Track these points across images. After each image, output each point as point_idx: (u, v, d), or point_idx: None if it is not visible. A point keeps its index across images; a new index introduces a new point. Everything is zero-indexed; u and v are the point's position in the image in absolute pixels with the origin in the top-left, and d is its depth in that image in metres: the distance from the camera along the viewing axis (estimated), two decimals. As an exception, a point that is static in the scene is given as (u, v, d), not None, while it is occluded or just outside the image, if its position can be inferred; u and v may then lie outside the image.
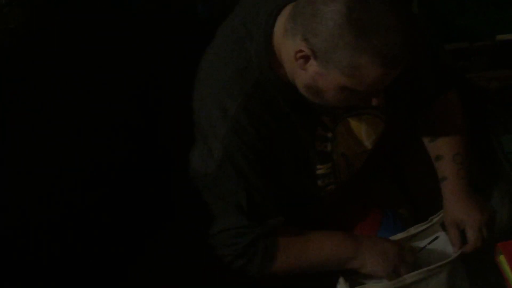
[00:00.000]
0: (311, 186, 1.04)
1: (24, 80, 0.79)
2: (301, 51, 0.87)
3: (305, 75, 0.90)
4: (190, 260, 1.04)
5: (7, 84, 0.77)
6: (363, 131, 1.06)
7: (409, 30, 0.84)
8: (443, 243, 1.08)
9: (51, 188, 0.84)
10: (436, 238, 1.07)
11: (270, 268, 0.99)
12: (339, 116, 1.04)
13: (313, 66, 0.88)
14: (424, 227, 1.07)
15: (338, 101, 0.92)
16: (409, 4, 1.47)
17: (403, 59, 0.85)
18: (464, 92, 1.19)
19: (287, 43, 0.91)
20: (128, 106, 1.02)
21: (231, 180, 0.94)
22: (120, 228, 1.00)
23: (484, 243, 1.04)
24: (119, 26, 0.91)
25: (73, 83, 0.83)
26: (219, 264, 0.99)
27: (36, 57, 0.78)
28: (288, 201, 1.01)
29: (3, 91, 0.77)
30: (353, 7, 0.81)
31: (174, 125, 1.09)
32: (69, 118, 0.84)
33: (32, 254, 0.82)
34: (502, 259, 0.90)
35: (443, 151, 1.10)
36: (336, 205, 1.13)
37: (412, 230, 1.07)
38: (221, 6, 1.19)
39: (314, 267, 1.03)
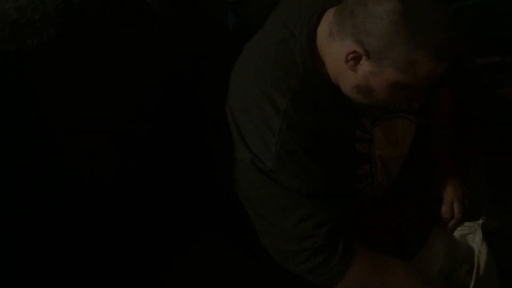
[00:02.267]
0: (349, 187, 1.05)
1: (57, 92, 0.81)
2: (354, 52, 0.89)
3: (355, 75, 0.92)
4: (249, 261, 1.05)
5: (41, 96, 0.80)
6: (398, 135, 1.09)
7: (453, 26, 0.89)
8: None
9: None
10: None
11: (347, 269, 0.96)
12: (376, 119, 1.06)
13: (364, 66, 0.90)
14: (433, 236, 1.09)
15: (388, 99, 0.95)
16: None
17: (453, 53, 0.89)
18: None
19: (333, 45, 0.93)
20: (165, 112, 1.04)
21: (291, 172, 0.95)
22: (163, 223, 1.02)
23: (455, 218, 1.10)
24: (151, 40, 0.93)
25: (106, 97, 0.85)
26: (289, 264, 0.98)
27: (69, 70, 0.81)
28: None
29: (38, 103, 0.80)
30: (406, 4, 0.85)
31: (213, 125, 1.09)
32: (103, 131, 0.86)
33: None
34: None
35: (438, 136, 1.18)
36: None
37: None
38: (251, 16, 1.20)
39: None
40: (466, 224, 1.10)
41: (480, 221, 1.08)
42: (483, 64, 1.52)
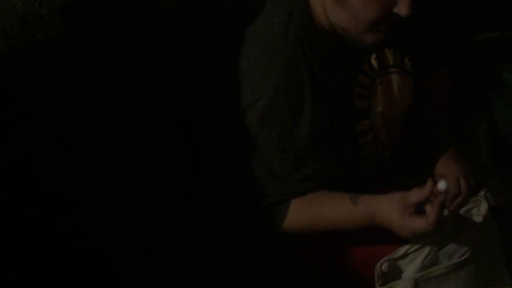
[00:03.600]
0: (352, 143, 1.07)
1: (66, 88, 0.81)
2: None
3: None
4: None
5: (49, 91, 0.80)
6: (396, 90, 1.11)
7: None
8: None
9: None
10: None
11: (279, 227, 1.02)
12: (375, 75, 1.08)
13: None
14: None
15: (367, 8, 0.93)
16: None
17: None
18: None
19: None
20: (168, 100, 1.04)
21: (272, 128, 0.97)
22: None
23: (462, 193, 1.10)
24: (158, 35, 0.94)
25: (115, 90, 0.86)
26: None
27: (77, 65, 0.81)
28: (330, 166, 1.03)
29: (45, 98, 0.80)
30: None
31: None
32: (111, 124, 0.87)
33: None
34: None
35: (437, 118, 1.19)
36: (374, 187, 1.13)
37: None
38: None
39: (328, 228, 1.04)
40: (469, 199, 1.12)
41: (482, 193, 1.10)
42: (484, 39, 1.52)
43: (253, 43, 1.01)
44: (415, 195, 0.95)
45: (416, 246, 1.03)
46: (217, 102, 1.04)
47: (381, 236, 1.04)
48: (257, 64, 0.99)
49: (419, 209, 0.96)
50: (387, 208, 0.97)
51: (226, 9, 1.19)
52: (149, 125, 0.96)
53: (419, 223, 0.94)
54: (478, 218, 1.10)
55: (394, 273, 1.05)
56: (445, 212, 1.07)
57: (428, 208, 0.95)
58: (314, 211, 1.03)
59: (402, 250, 1.03)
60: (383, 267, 1.03)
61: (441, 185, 0.98)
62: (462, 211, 1.11)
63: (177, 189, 1.05)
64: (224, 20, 1.15)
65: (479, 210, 1.11)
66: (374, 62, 1.08)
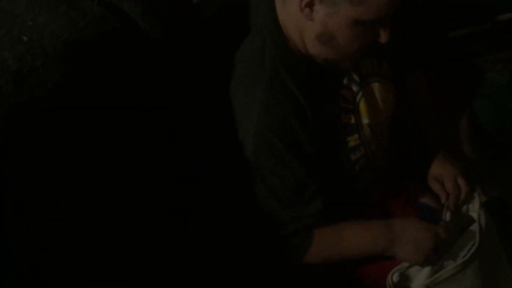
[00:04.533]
0: (345, 160, 1.06)
1: (65, 138, 0.79)
2: None
3: (313, 26, 0.93)
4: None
5: (49, 141, 0.77)
6: (378, 99, 1.10)
7: None
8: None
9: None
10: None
11: (301, 259, 1.02)
12: (357, 87, 1.07)
13: (320, 10, 0.91)
14: (448, 214, 1.09)
15: (351, 43, 0.94)
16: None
17: None
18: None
19: (288, 7, 0.95)
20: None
21: (267, 162, 0.96)
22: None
23: (463, 191, 1.11)
24: (152, 71, 0.92)
25: (116, 134, 0.84)
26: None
27: (76, 114, 0.78)
28: (327, 184, 1.02)
29: (45, 148, 0.77)
30: None
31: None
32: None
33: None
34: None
35: (422, 121, 1.19)
36: (373, 194, 1.15)
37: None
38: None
39: (346, 259, 1.05)
40: None
41: (477, 192, 1.12)
42: (459, 35, 1.56)
43: (233, 74, 0.99)
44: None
45: None
46: (214, 129, 1.03)
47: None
48: (238, 98, 0.98)
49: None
50: (405, 220, 1.05)
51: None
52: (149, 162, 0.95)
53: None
54: (474, 215, 1.11)
55: (405, 283, 1.06)
56: (448, 217, 1.10)
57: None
58: (336, 234, 1.04)
59: None
60: (394, 278, 1.04)
61: (447, 216, 1.07)
62: (463, 210, 1.13)
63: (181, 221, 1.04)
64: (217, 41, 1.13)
65: (473, 206, 1.12)
66: (354, 75, 1.07)
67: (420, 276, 1.05)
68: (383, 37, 0.95)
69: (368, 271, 1.08)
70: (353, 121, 1.07)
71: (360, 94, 1.08)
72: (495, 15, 1.60)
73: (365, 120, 1.09)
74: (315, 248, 1.02)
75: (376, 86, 1.10)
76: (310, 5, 0.91)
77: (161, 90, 0.95)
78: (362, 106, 1.08)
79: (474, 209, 1.12)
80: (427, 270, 1.04)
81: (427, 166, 1.17)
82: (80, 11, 0.83)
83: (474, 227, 1.10)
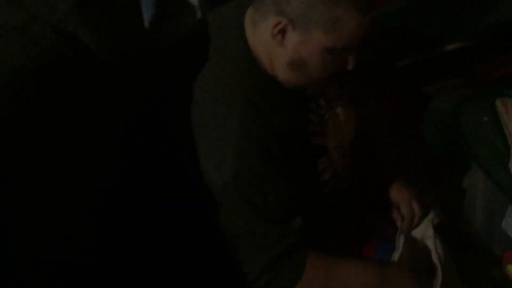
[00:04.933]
0: (316, 182, 1.07)
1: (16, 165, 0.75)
2: (278, 23, 0.90)
3: (285, 52, 0.94)
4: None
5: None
6: (342, 123, 1.13)
7: None
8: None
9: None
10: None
11: (297, 284, 0.97)
12: (323, 111, 1.09)
13: (292, 37, 0.92)
14: (401, 238, 1.12)
15: (321, 69, 0.96)
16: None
17: (371, 8, 0.92)
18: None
19: (259, 31, 0.95)
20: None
21: (249, 184, 0.94)
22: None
23: (417, 215, 1.16)
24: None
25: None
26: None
27: (27, 144, 0.76)
28: (301, 207, 1.01)
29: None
30: None
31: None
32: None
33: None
34: (510, 268, 0.94)
35: (378, 145, 1.24)
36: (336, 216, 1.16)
37: (397, 254, 1.10)
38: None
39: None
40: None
41: (430, 216, 1.15)
42: (407, 64, 1.62)
43: (205, 97, 0.98)
44: None
45: None
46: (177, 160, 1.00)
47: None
48: (213, 121, 0.95)
49: None
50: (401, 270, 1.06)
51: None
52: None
53: None
54: (429, 241, 1.13)
55: None
56: (401, 241, 1.12)
57: None
58: (329, 267, 1.01)
59: None
60: None
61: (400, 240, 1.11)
62: (418, 236, 1.15)
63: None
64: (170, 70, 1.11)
65: (427, 232, 1.15)
66: (320, 99, 1.09)
67: None
68: (351, 64, 0.98)
69: None
70: (321, 144, 1.09)
71: (326, 118, 1.10)
72: (439, 45, 1.69)
73: (332, 143, 1.11)
74: (309, 269, 0.98)
75: (339, 111, 1.13)
76: (283, 32, 0.92)
77: (119, 119, 0.93)
78: (329, 130, 1.10)
79: (428, 235, 1.14)
80: None
81: (383, 191, 1.20)
82: (33, 39, 0.80)
83: (435, 258, 1.11)
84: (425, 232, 1.15)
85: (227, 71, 0.97)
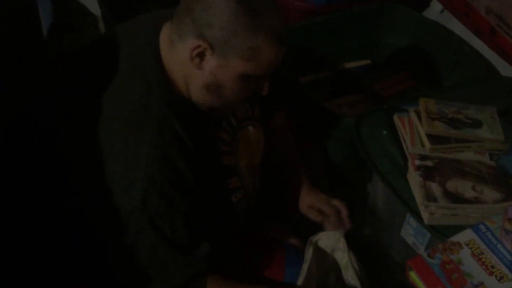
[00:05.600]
0: (227, 202, 1.06)
1: None
2: (198, 46, 0.90)
3: (202, 74, 0.93)
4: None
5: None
6: (253, 141, 1.14)
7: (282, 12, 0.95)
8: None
9: None
10: None
11: None
12: (234, 130, 1.09)
13: (210, 61, 0.92)
14: (310, 250, 1.14)
15: (237, 93, 0.97)
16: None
17: (288, 38, 0.95)
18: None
19: (176, 50, 0.94)
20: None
21: (157, 208, 0.91)
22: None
23: (343, 209, 1.20)
24: None
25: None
26: None
27: None
28: (211, 228, 0.99)
29: None
30: None
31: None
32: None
33: None
34: (412, 274, 0.99)
35: (287, 158, 1.26)
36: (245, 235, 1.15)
37: (305, 266, 1.12)
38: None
39: None
40: (329, 233, 1.18)
41: (342, 231, 1.17)
42: (307, 81, 1.67)
43: (115, 116, 0.94)
44: None
45: None
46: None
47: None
48: (122, 141, 0.92)
49: None
50: None
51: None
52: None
53: None
54: (339, 253, 1.17)
55: None
56: (310, 252, 1.13)
57: None
58: None
59: None
60: None
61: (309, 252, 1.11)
62: (322, 245, 1.17)
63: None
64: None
65: (338, 245, 1.17)
66: (231, 119, 1.10)
67: None
68: (265, 90, 1.00)
69: None
70: (233, 163, 1.08)
71: (237, 137, 1.11)
72: (340, 63, 1.76)
73: (243, 162, 1.11)
74: None
75: (250, 129, 1.14)
76: (201, 55, 0.91)
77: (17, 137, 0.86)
78: (240, 149, 1.10)
79: (339, 247, 1.17)
80: None
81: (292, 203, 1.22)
82: None
83: (351, 273, 1.14)
84: (335, 244, 1.17)
85: (139, 90, 0.94)
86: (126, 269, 0.95)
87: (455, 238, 1.03)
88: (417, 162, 1.19)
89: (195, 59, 0.92)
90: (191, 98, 0.98)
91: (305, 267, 1.12)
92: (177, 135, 0.93)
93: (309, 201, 1.21)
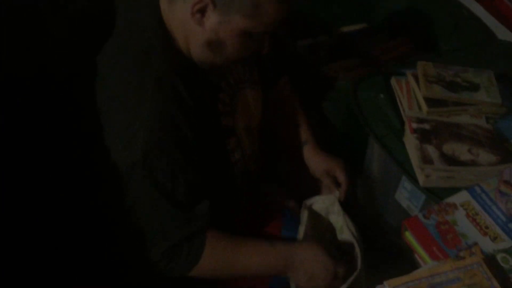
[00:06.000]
0: (225, 162, 1.06)
1: None
2: (199, 1, 0.88)
3: (203, 31, 0.92)
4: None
5: None
6: (251, 104, 1.14)
7: None
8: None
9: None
10: None
11: (192, 270, 0.97)
12: (233, 91, 1.09)
13: (212, 17, 0.90)
14: (305, 213, 1.15)
15: (238, 51, 0.96)
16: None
17: None
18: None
19: (176, 8, 0.92)
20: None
21: (158, 162, 0.91)
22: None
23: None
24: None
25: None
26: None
27: None
28: (210, 188, 1.00)
29: None
30: None
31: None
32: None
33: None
34: (408, 235, 1.00)
35: (299, 121, 1.26)
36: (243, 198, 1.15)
37: (301, 228, 1.13)
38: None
39: (241, 275, 1.05)
40: (324, 197, 1.19)
41: (337, 193, 1.18)
42: (305, 45, 1.66)
43: (114, 74, 0.93)
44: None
45: None
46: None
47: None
48: (123, 97, 0.91)
49: None
50: (308, 250, 1.05)
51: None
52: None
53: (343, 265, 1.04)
54: (333, 216, 1.18)
55: None
56: (305, 213, 1.15)
57: None
58: (229, 252, 1.01)
59: None
60: None
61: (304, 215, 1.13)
62: (317, 208, 1.18)
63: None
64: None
65: (333, 208, 1.18)
66: (230, 80, 1.10)
67: None
68: (266, 48, 0.99)
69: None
70: (231, 124, 1.08)
71: (236, 98, 1.10)
72: (337, 27, 1.75)
73: (241, 124, 1.11)
74: (207, 256, 0.98)
75: (248, 92, 1.14)
76: (203, 11, 0.90)
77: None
78: (238, 110, 1.10)
79: (333, 211, 1.18)
80: None
81: (290, 172, 1.22)
82: None
83: (348, 234, 1.14)
84: (330, 208, 1.18)
85: (138, 47, 0.93)
86: (127, 234, 0.96)
87: (451, 200, 1.04)
88: (414, 125, 1.19)
89: (196, 15, 0.90)
90: (191, 55, 0.97)
91: (301, 229, 1.13)
92: (177, 92, 0.93)
93: (326, 166, 1.21)
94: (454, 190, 1.06)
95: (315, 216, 1.17)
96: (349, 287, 1.05)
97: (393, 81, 1.31)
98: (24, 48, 0.99)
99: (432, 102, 1.23)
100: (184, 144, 0.93)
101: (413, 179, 1.14)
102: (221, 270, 1.01)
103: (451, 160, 1.12)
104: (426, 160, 1.12)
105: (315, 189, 1.23)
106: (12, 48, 0.97)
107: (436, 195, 1.11)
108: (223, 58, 0.97)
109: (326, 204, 1.18)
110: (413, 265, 1.01)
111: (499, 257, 0.94)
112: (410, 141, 1.17)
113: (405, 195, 1.21)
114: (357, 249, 1.09)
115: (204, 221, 0.97)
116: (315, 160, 1.23)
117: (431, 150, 1.14)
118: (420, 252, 0.98)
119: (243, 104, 1.12)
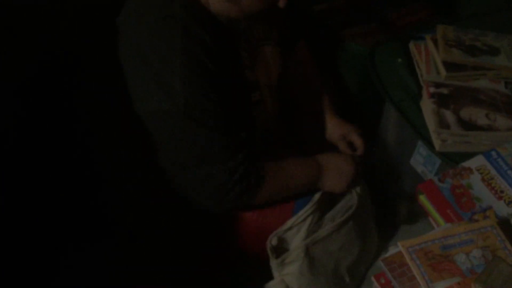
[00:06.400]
0: (248, 115, 1.08)
1: None
2: None
3: None
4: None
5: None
6: (270, 62, 1.15)
7: None
8: None
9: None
10: None
11: (260, 192, 1.02)
12: (252, 48, 1.10)
13: None
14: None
15: (256, 3, 0.96)
16: None
17: None
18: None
19: None
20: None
21: (199, 103, 0.94)
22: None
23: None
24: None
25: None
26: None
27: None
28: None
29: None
30: None
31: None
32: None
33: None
34: (422, 198, 1.00)
35: (316, 86, 1.28)
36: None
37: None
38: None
39: (292, 191, 1.09)
40: None
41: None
42: (321, 9, 1.64)
43: (137, 31, 0.95)
44: None
45: (300, 219, 1.08)
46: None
47: (270, 215, 1.09)
48: (152, 53, 0.93)
49: None
50: (331, 154, 1.15)
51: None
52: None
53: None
54: None
55: (283, 245, 1.10)
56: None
57: None
58: (284, 165, 1.07)
59: (288, 223, 1.08)
60: (272, 242, 1.08)
61: None
62: None
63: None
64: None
65: None
66: (250, 37, 1.10)
67: (297, 238, 1.09)
68: (282, 2, 0.99)
69: (249, 242, 1.10)
70: (255, 78, 1.10)
71: (256, 55, 1.11)
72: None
73: (263, 79, 1.12)
74: (268, 179, 1.03)
75: (268, 49, 1.15)
76: None
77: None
78: (259, 66, 1.11)
79: None
80: (303, 231, 1.09)
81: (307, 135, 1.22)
82: None
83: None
84: None
85: (158, 2, 0.95)
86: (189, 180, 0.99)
87: (466, 164, 1.03)
88: (432, 90, 1.18)
89: None
90: (210, 8, 0.98)
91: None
92: (204, 41, 0.95)
93: (343, 131, 1.23)
94: (469, 156, 1.06)
95: None
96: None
97: (411, 46, 1.30)
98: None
99: (450, 66, 1.21)
100: (216, 87, 0.96)
101: (429, 144, 1.14)
102: (278, 189, 1.06)
103: (468, 125, 1.12)
104: (442, 124, 1.11)
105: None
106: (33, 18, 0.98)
107: (452, 160, 1.11)
108: (240, 11, 0.97)
109: None
110: (427, 230, 1.02)
111: (513, 220, 0.94)
112: (427, 106, 1.16)
113: (420, 161, 1.21)
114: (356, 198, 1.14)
115: (249, 146, 1.01)
116: (331, 125, 1.24)
117: (448, 114, 1.13)
118: (434, 215, 0.98)
119: (263, 61, 1.13)
